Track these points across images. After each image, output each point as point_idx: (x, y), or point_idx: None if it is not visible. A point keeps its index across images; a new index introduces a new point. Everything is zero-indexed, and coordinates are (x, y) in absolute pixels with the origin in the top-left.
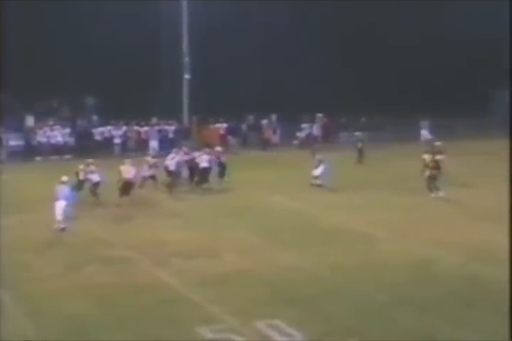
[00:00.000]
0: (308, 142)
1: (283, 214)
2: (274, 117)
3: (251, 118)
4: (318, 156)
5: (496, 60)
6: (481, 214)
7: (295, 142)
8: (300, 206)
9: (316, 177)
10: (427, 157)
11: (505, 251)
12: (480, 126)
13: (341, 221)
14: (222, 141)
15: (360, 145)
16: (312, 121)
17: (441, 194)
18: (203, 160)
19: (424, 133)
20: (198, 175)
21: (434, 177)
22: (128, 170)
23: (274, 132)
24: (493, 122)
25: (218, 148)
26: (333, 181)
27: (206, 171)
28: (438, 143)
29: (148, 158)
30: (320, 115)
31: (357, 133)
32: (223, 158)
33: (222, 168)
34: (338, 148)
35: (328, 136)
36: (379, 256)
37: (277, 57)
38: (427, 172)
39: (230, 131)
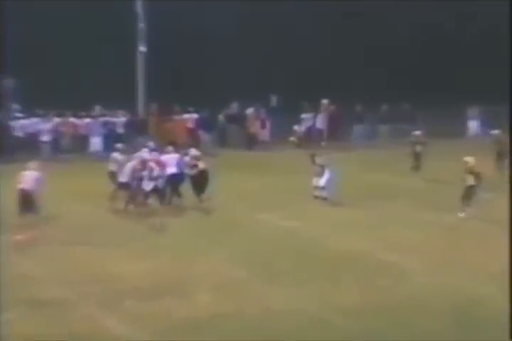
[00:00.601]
0: (310, 138)
1: (275, 237)
2: (274, 100)
3: (233, 106)
4: (319, 160)
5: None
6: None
7: (292, 139)
8: (298, 226)
9: (319, 188)
10: (470, 160)
11: None
12: None
13: (354, 245)
14: (192, 137)
15: (418, 148)
16: (315, 109)
17: (462, 215)
18: (170, 162)
19: (474, 126)
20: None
21: (475, 188)
22: (28, 177)
23: (263, 125)
24: None
25: (194, 152)
26: (342, 192)
27: (175, 179)
28: None
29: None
30: (325, 102)
31: (416, 133)
32: (203, 165)
33: (203, 178)
34: (349, 147)
35: (337, 131)
36: (407, 294)
37: (267, 25)
38: (470, 181)
39: (203, 123)
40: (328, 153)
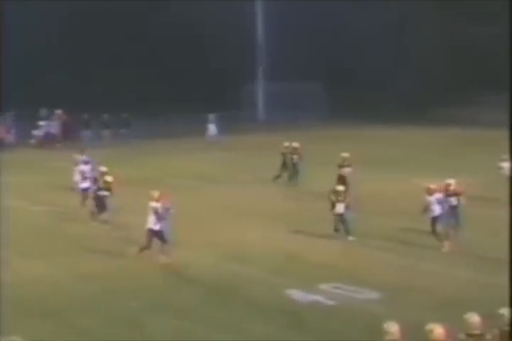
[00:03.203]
0: (47, 141)
1: (25, 221)
2: (9, 116)
3: None
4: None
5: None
6: (235, 213)
7: (32, 141)
8: (44, 211)
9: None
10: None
11: (257, 248)
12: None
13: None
14: None
15: (294, 158)
16: (50, 118)
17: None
18: None
19: (212, 128)
20: None
21: None
22: None
23: (8, 131)
24: (242, 116)
25: None
26: None
27: None
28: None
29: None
30: (59, 112)
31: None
32: None
33: None
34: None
35: (69, 135)
36: (128, 263)
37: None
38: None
39: None
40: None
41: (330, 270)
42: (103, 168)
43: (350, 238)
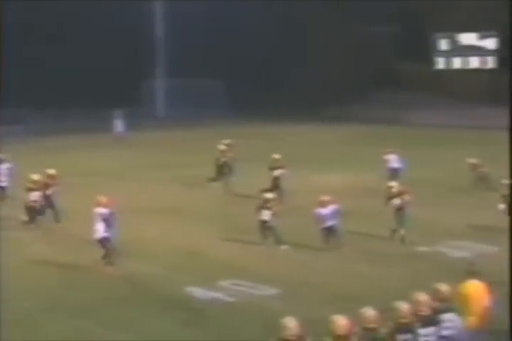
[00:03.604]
0: None
1: None
2: None
3: None
4: None
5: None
6: (134, 210)
7: None
8: None
9: None
10: None
11: (157, 246)
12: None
13: None
14: None
15: (223, 160)
16: None
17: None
18: None
19: (118, 124)
20: None
21: None
22: None
23: None
24: (142, 113)
25: None
26: None
27: None
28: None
29: None
30: None
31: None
32: None
33: None
34: None
35: None
36: (25, 263)
37: None
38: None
39: None
40: None
41: (229, 267)
42: (51, 171)
43: (283, 247)
